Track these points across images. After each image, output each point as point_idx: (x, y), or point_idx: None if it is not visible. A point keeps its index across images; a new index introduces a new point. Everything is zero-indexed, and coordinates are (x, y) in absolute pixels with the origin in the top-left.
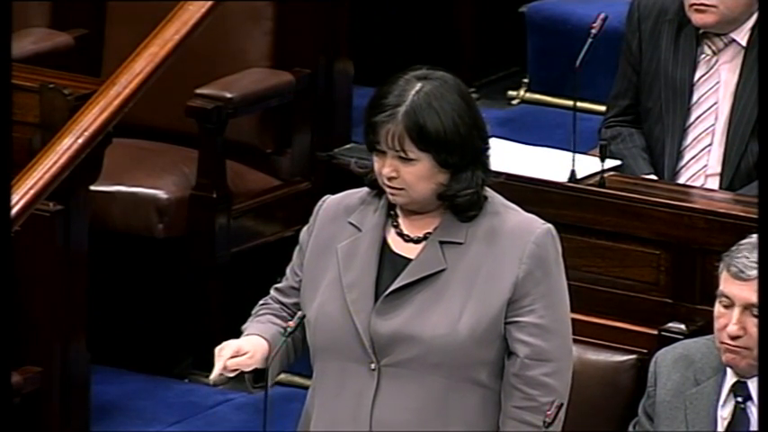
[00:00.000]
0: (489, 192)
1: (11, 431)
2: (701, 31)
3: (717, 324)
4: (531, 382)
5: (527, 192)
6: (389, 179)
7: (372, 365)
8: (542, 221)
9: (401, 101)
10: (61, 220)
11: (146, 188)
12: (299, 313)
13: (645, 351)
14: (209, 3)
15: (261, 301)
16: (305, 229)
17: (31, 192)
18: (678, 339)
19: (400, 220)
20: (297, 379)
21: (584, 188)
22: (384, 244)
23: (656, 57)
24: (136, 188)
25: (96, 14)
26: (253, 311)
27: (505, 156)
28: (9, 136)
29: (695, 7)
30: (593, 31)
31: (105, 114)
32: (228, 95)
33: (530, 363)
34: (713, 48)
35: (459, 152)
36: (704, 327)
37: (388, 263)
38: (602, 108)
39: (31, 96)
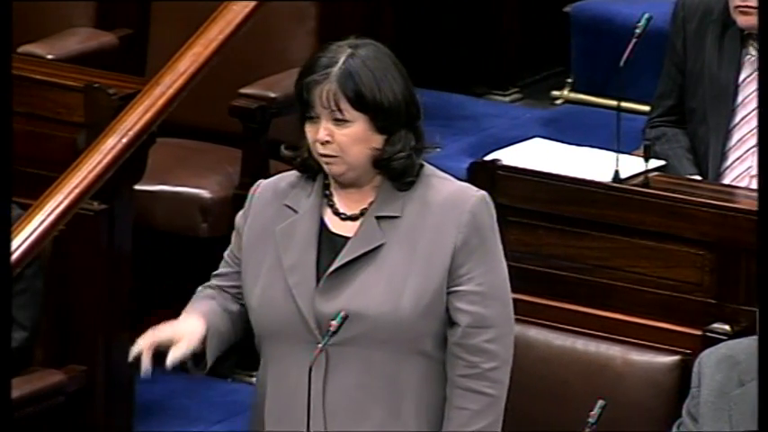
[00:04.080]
0: (425, 165)
1: (57, 430)
2: (745, 32)
3: None
4: (472, 349)
5: (571, 192)
6: (323, 144)
7: (319, 346)
8: (476, 189)
9: (334, 62)
10: (105, 220)
11: (189, 187)
12: (342, 313)
13: (689, 352)
14: (253, 3)
15: (199, 288)
16: (240, 213)
17: (76, 191)
18: (722, 340)
19: (335, 199)
20: None
21: (628, 188)
22: (321, 225)
23: (701, 57)
24: (179, 187)
25: (141, 14)
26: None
27: (549, 156)
28: (9, 135)
29: (740, 9)
30: (638, 30)
31: (149, 114)
32: (272, 95)
33: (471, 331)
34: (758, 49)
35: (395, 116)
36: (748, 328)
37: (327, 243)
38: (647, 108)
39: (76, 96)
